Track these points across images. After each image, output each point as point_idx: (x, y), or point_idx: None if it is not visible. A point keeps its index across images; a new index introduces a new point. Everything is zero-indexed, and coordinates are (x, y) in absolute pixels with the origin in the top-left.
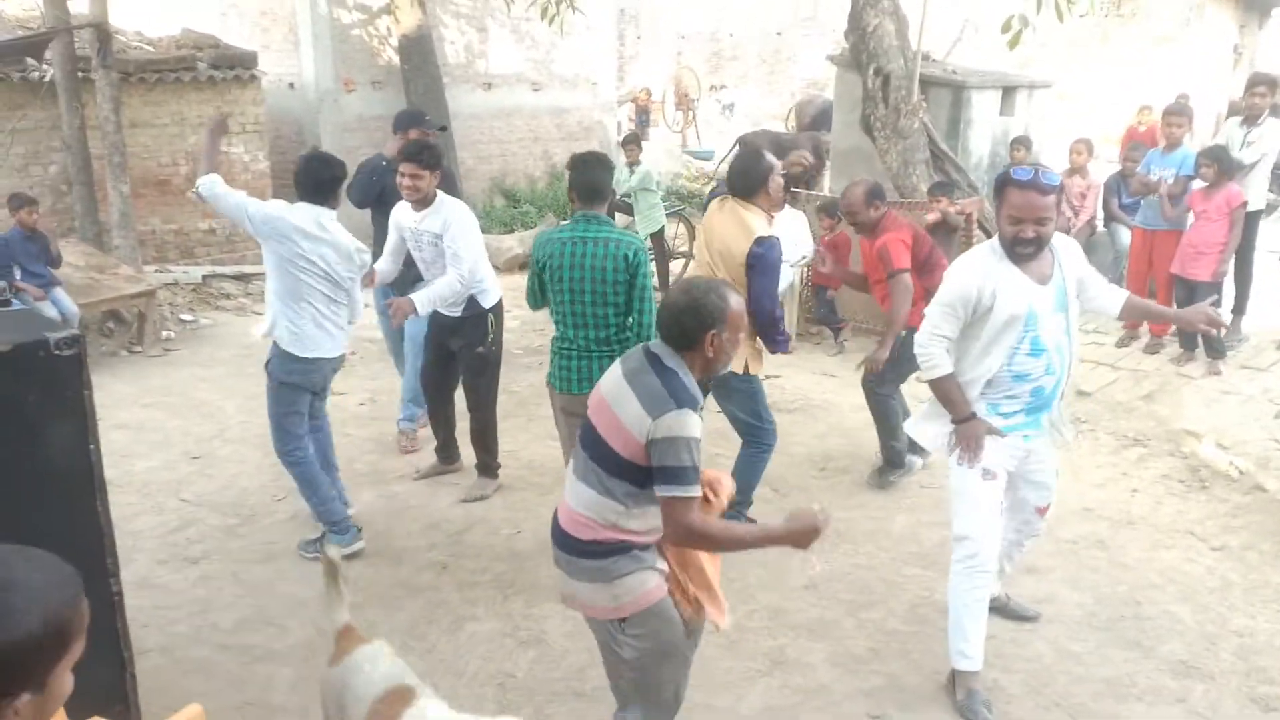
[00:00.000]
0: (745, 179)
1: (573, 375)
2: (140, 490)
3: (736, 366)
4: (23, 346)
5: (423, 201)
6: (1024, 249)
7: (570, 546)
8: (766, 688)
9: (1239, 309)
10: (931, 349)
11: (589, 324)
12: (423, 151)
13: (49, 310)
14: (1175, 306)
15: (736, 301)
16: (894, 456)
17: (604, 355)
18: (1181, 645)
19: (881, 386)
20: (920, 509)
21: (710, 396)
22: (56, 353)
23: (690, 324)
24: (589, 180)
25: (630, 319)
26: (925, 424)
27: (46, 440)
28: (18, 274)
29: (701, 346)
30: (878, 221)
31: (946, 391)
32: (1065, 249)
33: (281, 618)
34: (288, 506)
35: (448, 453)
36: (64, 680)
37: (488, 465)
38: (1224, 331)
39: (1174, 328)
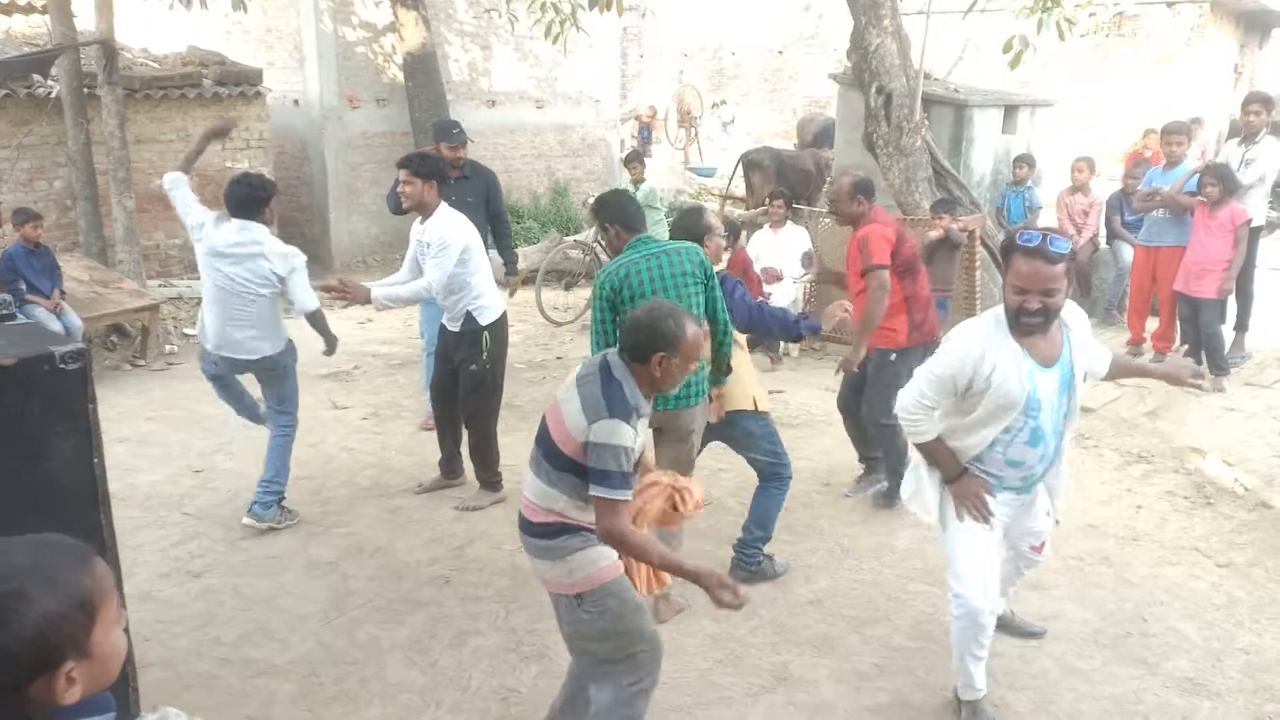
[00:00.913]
0: (686, 234)
1: None
2: (143, 504)
3: (746, 404)
4: (28, 360)
5: (423, 211)
6: (1030, 320)
7: (526, 528)
8: (770, 705)
9: (1241, 325)
10: (917, 416)
11: None
12: (413, 159)
13: (53, 324)
14: (1179, 324)
15: (694, 333)
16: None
17: None
18: (1188, 662)
19: (888, 419)
20: (925, 524)
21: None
22: (61, 366)
23: (643, 342)
24: (626, 211)
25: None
26: (919, 495)
27: (50, 454)
28: (23, 288)
29: (650, 365)
30: (859, 216)
31: (933, 454)
32: (1076, 323)
33: (283, 632)
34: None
35: (451, 467)
36: (110, 641)
37: (486, 480)
38: (1206, 381)
39: (1178, 344)
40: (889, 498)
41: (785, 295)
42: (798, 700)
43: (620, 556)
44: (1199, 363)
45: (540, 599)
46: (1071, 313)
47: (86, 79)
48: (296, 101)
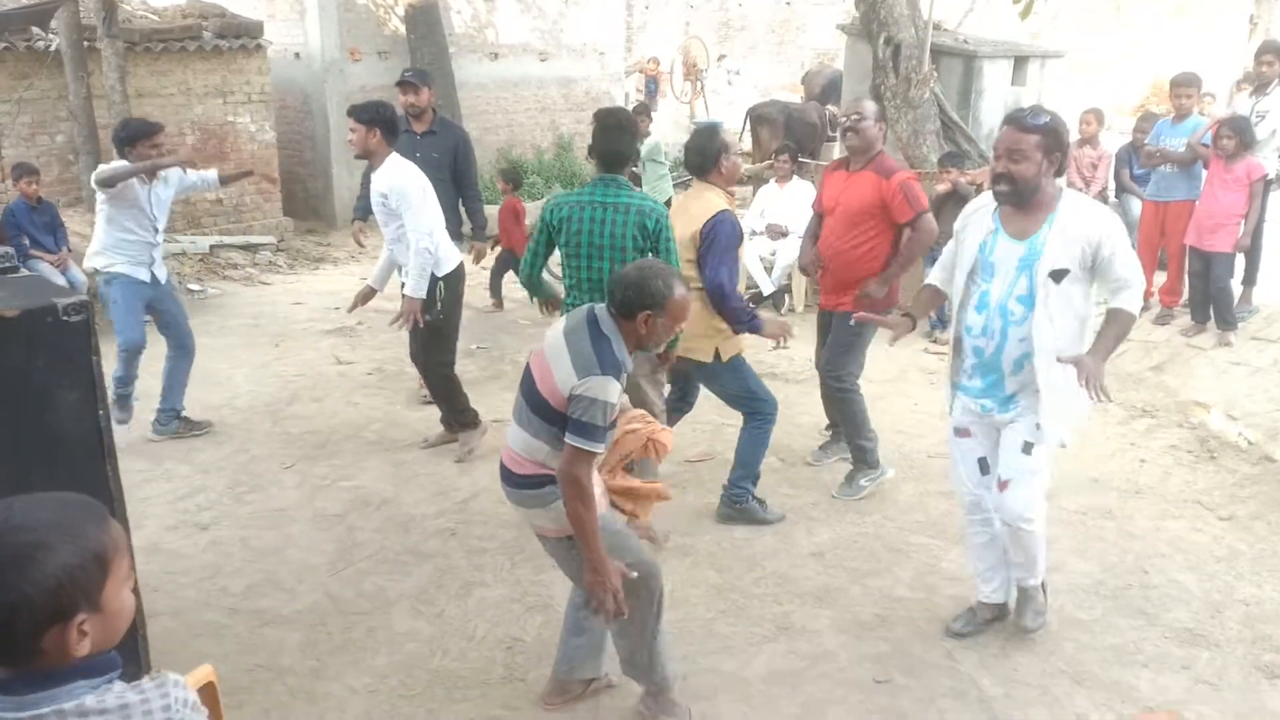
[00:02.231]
0: (698, 157)
1: None
2: (150, 457)
3: (705, 355)
4: (31, 312)
5: (372, 160)
6: (997, 187)
7: (510, 479)
8: (772, 653)
9: (1249, 280)
10: (932, 270)
11: (603, 289)
12: (356, 106)
13: (57, 279)
14: (1188, 278)
15: (681, 294)
16: (866, 455)
17: None
18: (1187, 613)
19: (842, 381)
20: (927, 478)
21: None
22: (65, 319)
23: (631, 299)
24: (611, 145)
25: None
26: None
27: (55, 406)
28: (26, 243)
29: (636, 322)
30: (874, 143)
31: (917, 294)
32: (1082, 219)
33: (290, 582)
34: (295, 474)
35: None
36: (120, 598)
37: (459, 421)
38: (1213, 335)
39: (1184, 299)
40: (852, 482)
41: (791, 251)
42: (799, 649)
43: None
44: (1206, 318)
45: (545, 551)
46: (1083, 209)
47: (86, 32)
48: (298, 54)
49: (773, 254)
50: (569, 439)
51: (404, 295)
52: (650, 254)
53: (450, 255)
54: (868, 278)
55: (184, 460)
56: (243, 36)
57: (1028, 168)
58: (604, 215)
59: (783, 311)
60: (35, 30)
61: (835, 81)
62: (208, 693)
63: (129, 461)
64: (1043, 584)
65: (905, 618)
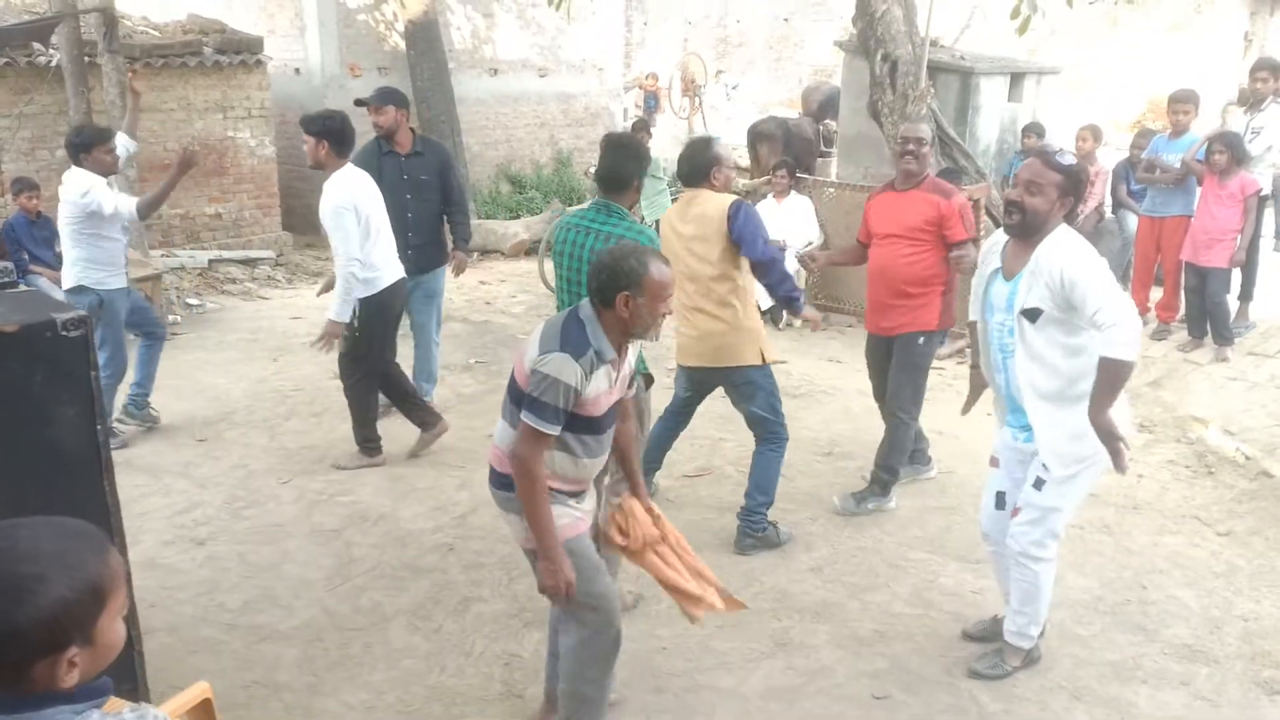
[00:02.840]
0: (690, 165)
1: None
2: (148, 472)
3: (753, 358)
4: (30, 327)
5: (325, 171)
6: (1007, 218)
7: (495, 479)
8: (770, 669)
9: (1246, 295)
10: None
11: None
12: (306, 119)
13: (56, 292)
14: (1184, 294)
15: (658, 270)
16: (886, 484)
17: None
18: (1186, 629)
19: (908, 411)
20: (926, 494)
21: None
22: (64, 334)
23: (606, 282)
24: (614, 169)
25: None
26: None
27: (54, 420)
28: (26, 258)
29: (616, 307)
30: (929, 163)
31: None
32: (1051, 257)
33: (287, 598)
34: (293, 489)
35: (420, 421)
36: (112, 630)
37: (357, 440)
38: (1210, 351)
39: (1181, 314)
40: (859, 501)
41: (789, 266)
42: (797, 665)
43: (611, 516)
44: (1203, 334)
45: None
46: (1058, 252)
47: (87, 47)
48: (298, 70)
49: None
50: (522, 417)
51: (327, 317)
52: None
53: (382, 276)
54: (923, 293)
55: (181, 475)
56: (243, 52)
57: (1041, 203)
58: (589, 241)
59: (780, 326)
60: (36, 45)
61: (833, 98)
62: (204, 709)
63: (126, 476)
64: (1030, 653)
65: (903, 633)
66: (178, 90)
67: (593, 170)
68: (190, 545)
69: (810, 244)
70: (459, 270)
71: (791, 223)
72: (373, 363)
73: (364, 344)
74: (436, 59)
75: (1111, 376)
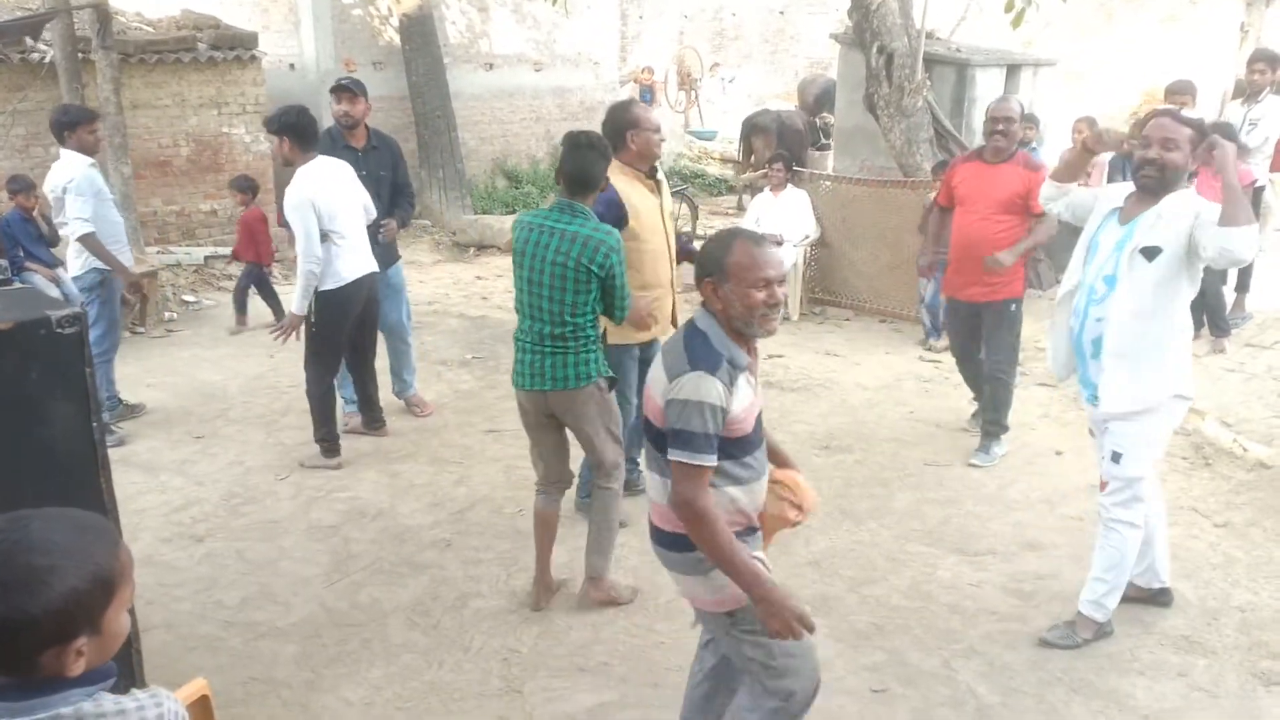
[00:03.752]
0: (610, 126)
1: (524, 370)
2: (145, 469)
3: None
4: (25, 325)
5: (294, 167)
6: (1145, 172)
7: (658, 538)
8: None
9: (1242, 286)
10: (1054, 202)
11: (543, 318)
12: (267, 119)
13: (52, 292)
14: None
15: (743, 250)
16: (1001, 431)
17: (557, 352)
18: (1184, 621)
19: (1007, 373)
20: (924, 486)
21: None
22: (59, 331)
23: (696, 273)
24: (582, 169)
25: (587, 318)
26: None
27: (49, 418)
28: (21, 256)
29: (706, 299)
30: (1018, 139)
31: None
32: (1182, 203)
33: (286, 595)
34: (290, 485)
35: (368, 415)
36: (119, 620)
37: (317, 439)
38: (1206, 343)
39: None
40: (988, 450)
41: (785, 260)
42: None
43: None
44: (1199, 325)
45: None
46: (1189, 204)
47: (81, 43)
48: (293, 65)
49: None
50: (670, 456)
51: (289, 310)
52: (588, 287)
53: (334, 272)
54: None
55: (178, 472)
56: (237, 48)
57: (1179, 157)
58: (551, 241)
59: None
60: (29, 41)
61: (829, 90)
62: (202, 706)
63: (123, 473)
64: (1103, 626)
65: (901, 626)
66: (172, 86)
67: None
68: (188, 542)
69: (807, 237)
70: (389, 235)
71: (788, 216)
72: (329, 358)
73: (319, 339)
74: (432, 53)
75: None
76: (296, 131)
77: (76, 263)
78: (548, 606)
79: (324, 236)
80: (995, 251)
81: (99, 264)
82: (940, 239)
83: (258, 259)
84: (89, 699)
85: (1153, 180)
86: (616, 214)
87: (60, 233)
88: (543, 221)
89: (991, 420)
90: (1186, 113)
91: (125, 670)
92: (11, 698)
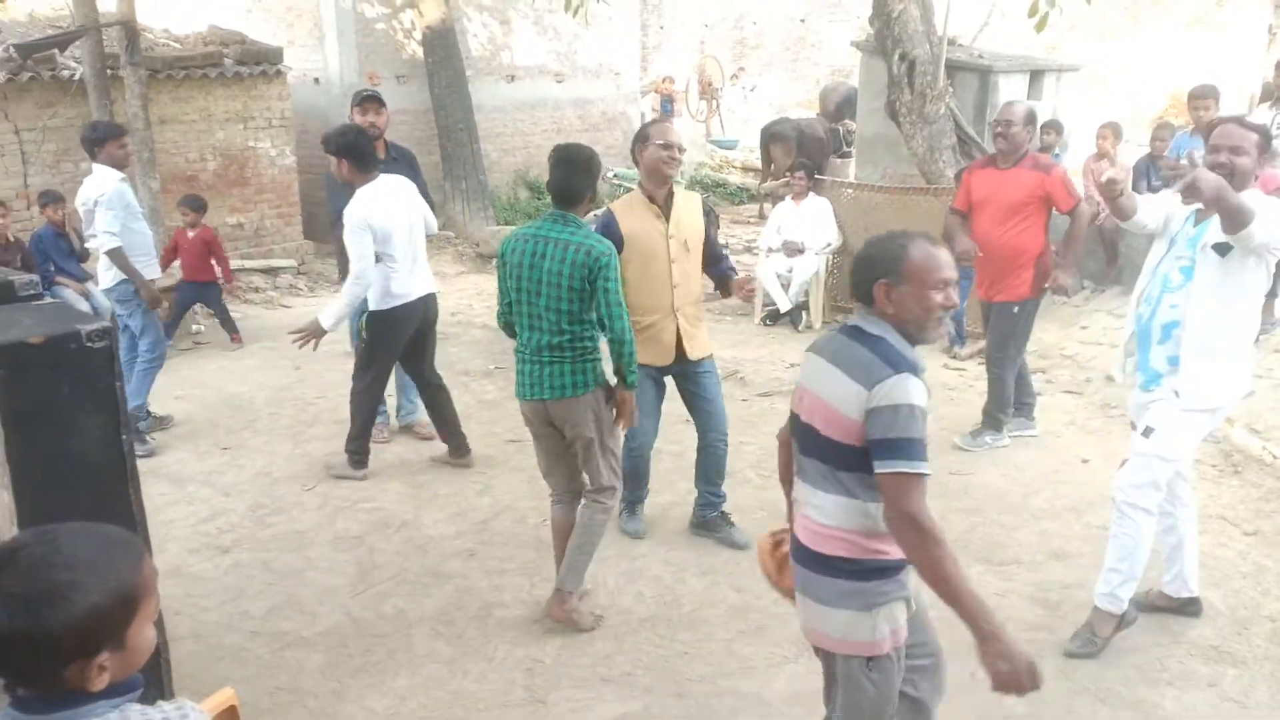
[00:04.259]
0: (635, 138)
1: (524, 380)
2: (172, 480)
3: (709, 351)
4: (55, 339)
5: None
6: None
7: (809, 560)
8: (793, 673)
9: (1271, 292)
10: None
11: (541, 327)
12: (324, 138)
13: (81, 306)
14: None
15: (921, 251)
16: (998, 423)
17: (555, 361)
18: (1213, 630)
19: (1000, 367)
20: (949, 495)
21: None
22: (89, 345)
23: (861, 273)
24: (565, 185)
25: (585, 327)
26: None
27: (79, 431)
28: (52, 270)
29: (878, 301)
30: (1023, 142)
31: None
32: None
33: (312, 605)
34: (316, 496)
35: (452, 444)
36: (142, 635)
37: (348, 450)
38: None
39: None
40: (976, 436)
41: (808, 268)
42: (819, 669)
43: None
44: None
45: None
46: (1259, 200)
47: (109, 60)
48: (317, 80)
49: (789, 271)
50: (884, 468)
51: (316, 316)
52: (583, 294)
53: (398, 290)
54: (1023, 263)
55: (205, 483)
56: (263, 63)
57: (1247, 161)
58: (544, 250)
59: (800, 328)
60: (60, 59)
61: (850, 98)
62: (230, 715)
63: (151, 485)
64: (1124, 617)
65: None
66: (199, 101)
67: (611, 175)
68: (215, 553)
69: (829, 245)
70: None
71: (810, 224)
72: (379, 374)
73: (370, 356)
74: (454, 66)
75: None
76: (354, 152)
77: (108, 275)
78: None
79: (378, 258)
80: (1012, 254)
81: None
82: (957, 243)
83: (209, 278)
84: (115, 710)
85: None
86: (606, 235)
87: (89, 246)
88: (535, 233)
89: (987, 411)
90: (1208, 118)
91: (154, 680)
92: (36, 710)
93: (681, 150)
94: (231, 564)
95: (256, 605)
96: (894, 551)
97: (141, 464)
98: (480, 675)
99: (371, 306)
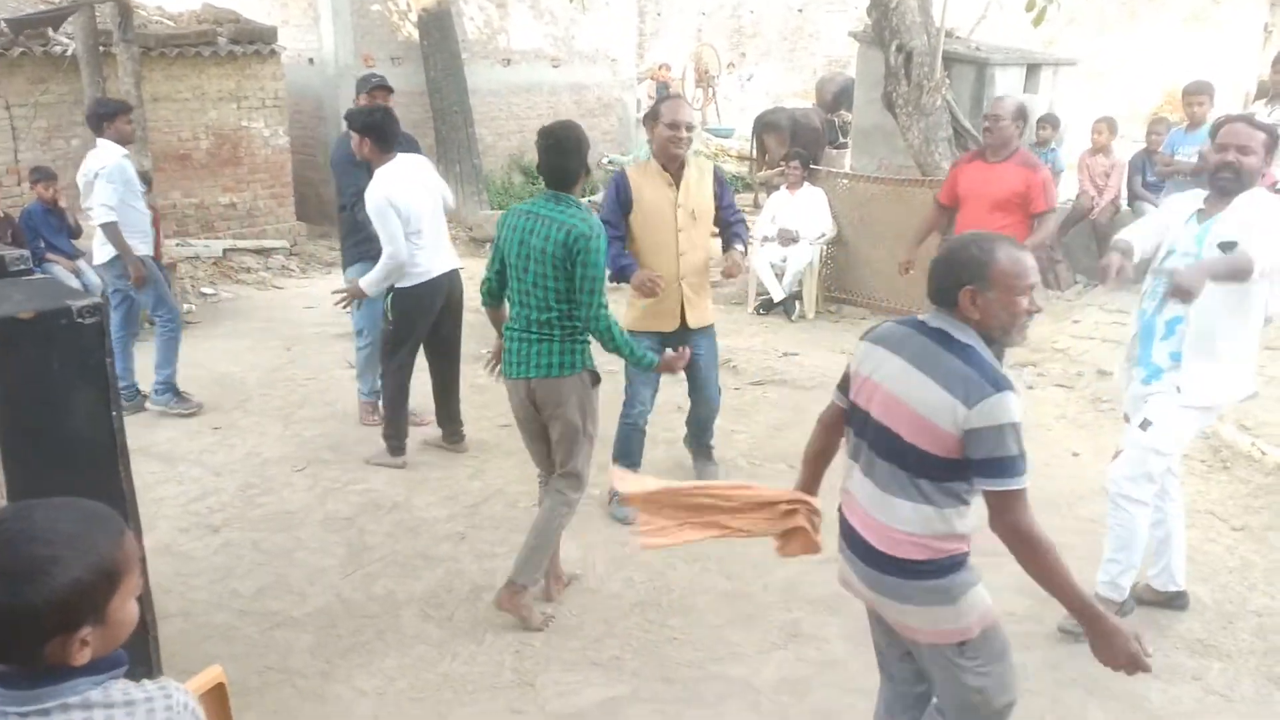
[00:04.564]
0: (646, 118)
1: (511, 358)
2: (163, 459)
3: (712, 319)
4: (46, 314)
5: (373, 165)
6: (1223, 175)
7: (882, 563)
8: (782, 660)
9: None
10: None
11: (529, 303)
12: (348, 115)
13: (72, 283)
14: None
15: (1008, 256)
16: None
17: (543, 340)
18: (1199, 624)
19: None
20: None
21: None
22: (79, 321)
23: (944, 278)
24: (557, 169)
25: (574, 306)
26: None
27: (70, 407)
28: (43, 246)
29: (961, 306)
30: (1011, 138)
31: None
32: (1256, 204)
33: (301, 585)
34: (307, 476)
35: (446, 430)
36: (125, 610)
37: (385, 435)
38: None
39: None
40: None
41: (802, 258)
42: (808, 657)
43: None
44: None
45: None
46: (1265, 203)
47: (102, 37)
48: (311, 60)
49: (784, 260)
50: (991, 485)
51: (359, 281)
52: (568, 273)
53: (415, 272)
54: None
55: (196, 462)
56: (257, 42)
57: (1254, 160)
58: (533, 225)
59: (793, 318)
60: (52, 35)
61: (847, 88)
62: (217, 694)
63: (142, 463)
64: (1122, 606)
65: None
66: (192, 80)
67: (605, 161)
68: (205, 532)
69: (823, 235)
70: None
71: (805, 214)
72: (404, 355)
73: (394, 335)
74: (450, 49)
75: (1234, 264)
76: (379, 132)
77: (104, 250)
78: (559, 599)
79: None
80: None
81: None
82: (928, 234)
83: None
84: (97, 688)
85: (1230, 182)
86: (618, 196)
87: (87, 218)
88: (531, 209)
89: None
90: (1202, 114)
91: (141, 658)
92: (17, 686)
93: (690, 129)
94: (221, 543)
95: (246, 584)
96: (967, 544)
97: (132, 442)
98: (469, 657)
99: (396, 284)
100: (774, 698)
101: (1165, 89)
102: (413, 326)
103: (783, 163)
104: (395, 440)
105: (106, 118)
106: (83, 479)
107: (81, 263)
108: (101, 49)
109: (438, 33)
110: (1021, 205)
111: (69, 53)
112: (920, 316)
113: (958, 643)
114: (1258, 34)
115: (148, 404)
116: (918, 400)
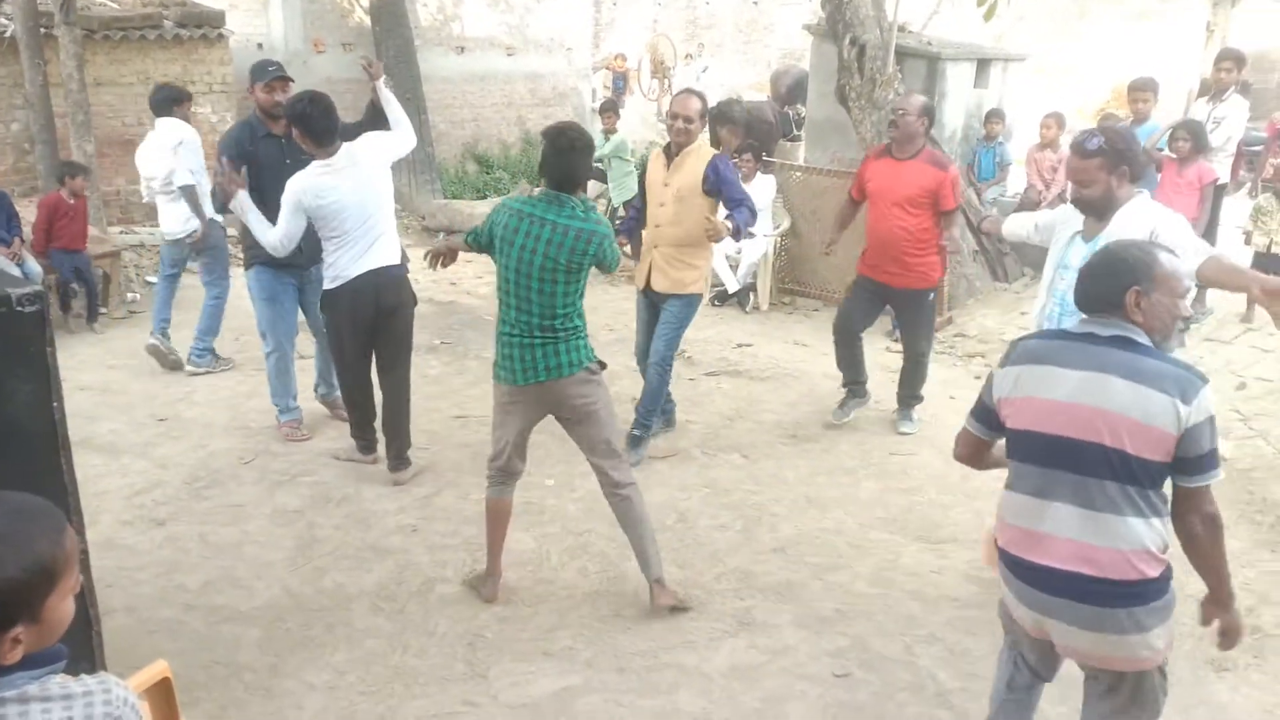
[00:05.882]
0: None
1: (515, 365)
2: (106, 451)
3: (700, 289)
4: None
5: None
6: (1078, 207)
7: (1133, 596)
8: (734, 648)
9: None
10: (1023, 230)
11: (531, 310)
12: (285, 105)
13: (13, 271)
14: None
15: (1169, 260)
16: (919, 400)
17: (548, 342)
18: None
19: (926, 354)
20: (888, 475)
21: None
22: (19, 309)
23: (1104, 282)
24: (566, 168)
25: (576, 306)
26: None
27: (9, 398)
28: None
29: (1126, 308)
30: (919, 134)
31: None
32: (1138, 216)
33: (248, 579)
34: (254, 469)
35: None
36: (61, 608)
37: (353, 435)
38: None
39: None
40: (910, 417)
41: (756, 250)
42: (760, 644)
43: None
44: None
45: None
46: (1149, 213)
47: (43, 18)
48: (260, 45)
49: (738, 252)
50: (1201, 480)
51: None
52: (587, 275)
53: (345, 268)
54: (927, 250)
55: (141, 455)
56: (204, 26)
57: (1095, 190)
58: (542, 233)
59: (747, 309)
60: None
61: (801, 81)
62: (163, 689)
63: (84, 456)
64: None
65: (864, 613)
66: (136, 64)
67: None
68: (149, 525)
69: (778, 227)
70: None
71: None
72: (341, 357)
73: (331, 339)
74: (402, 35)
75: (1224, 265)
76: (304, 122)
77: (178, 223)
78: (499, 599)
79: (325, 237)
80: (903, 245)
81: (197, 223)
82: (845, 227)
83: (83, 247)
84: (35, 683)
85: (1090, 211)
86: (643, 171)
87: (154, 185)
88: (532, 211)
89: (911, 395)
90: (1147, 110)
91: (85, 653)
92: None
93: (688, 121)
94: (166, 537)
95: (192, 579)
96: (1166, 553)
97: (74, 434)
98: (420, 650)
99: (324, 286)
100: (725, 684)
101: (1113, 85)
102: (339, 330)
103: (735, 155)
104: (364, 440)
105: (176, 101)
106: (22, 471)
107: (20, 248)
108: (43, 31)
109: (390, 18)
110: (931, 203)
111: (7, 34)
112: (1075, 329)
113: (1159, 666)
114: (1200, 33)
115: (187, 366)
116: (1133, 407)
